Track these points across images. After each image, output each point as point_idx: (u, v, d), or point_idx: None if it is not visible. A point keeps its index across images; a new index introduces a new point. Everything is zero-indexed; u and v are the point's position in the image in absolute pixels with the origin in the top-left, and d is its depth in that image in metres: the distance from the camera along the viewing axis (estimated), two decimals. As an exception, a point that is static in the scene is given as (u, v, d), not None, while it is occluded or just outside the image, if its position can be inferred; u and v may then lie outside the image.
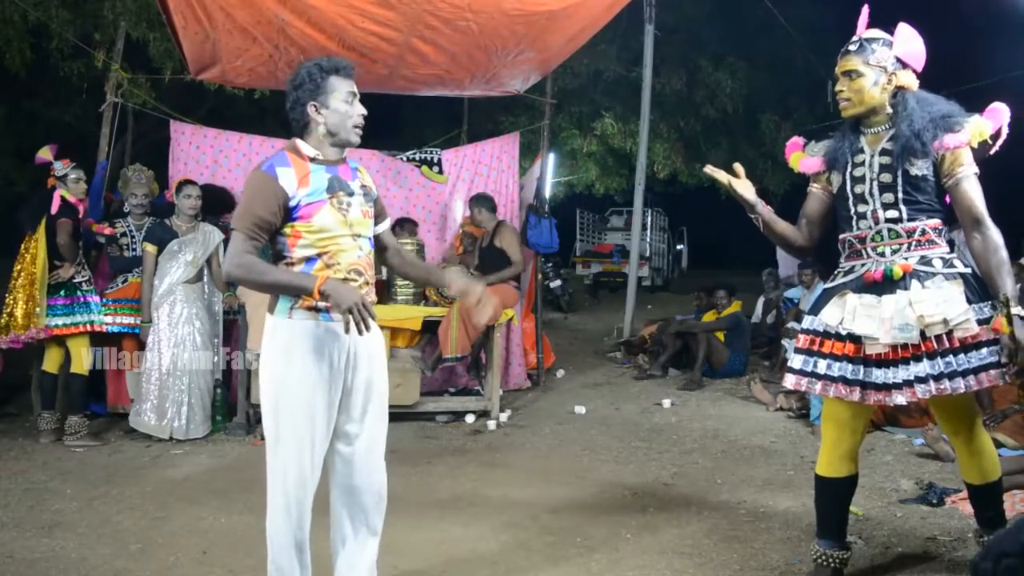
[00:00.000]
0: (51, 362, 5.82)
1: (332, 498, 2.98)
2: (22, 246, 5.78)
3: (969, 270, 3.08)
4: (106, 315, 5.92)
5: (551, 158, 10.87)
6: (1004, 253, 2.95)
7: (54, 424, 5.76)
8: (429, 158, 7.97)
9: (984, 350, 2.94)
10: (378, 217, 3.02)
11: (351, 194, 2.85)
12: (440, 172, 7.90)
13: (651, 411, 6.93)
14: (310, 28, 5.67)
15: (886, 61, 3.20)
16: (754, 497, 4.60)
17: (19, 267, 5.73)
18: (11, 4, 8.42)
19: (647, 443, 5.87)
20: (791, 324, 8.38)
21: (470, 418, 6.53)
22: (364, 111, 2.87)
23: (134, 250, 6.21)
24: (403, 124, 17.26)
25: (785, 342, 8.28)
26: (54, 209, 5.64)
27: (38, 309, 5.60)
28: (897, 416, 5.88)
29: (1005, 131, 3.08)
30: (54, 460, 5.31)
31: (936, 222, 3.11)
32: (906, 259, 3.08)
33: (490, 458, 5.49)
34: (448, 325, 6.53)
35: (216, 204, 6.73)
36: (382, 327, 6.19)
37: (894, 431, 5.84)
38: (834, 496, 3.29)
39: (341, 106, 2.81)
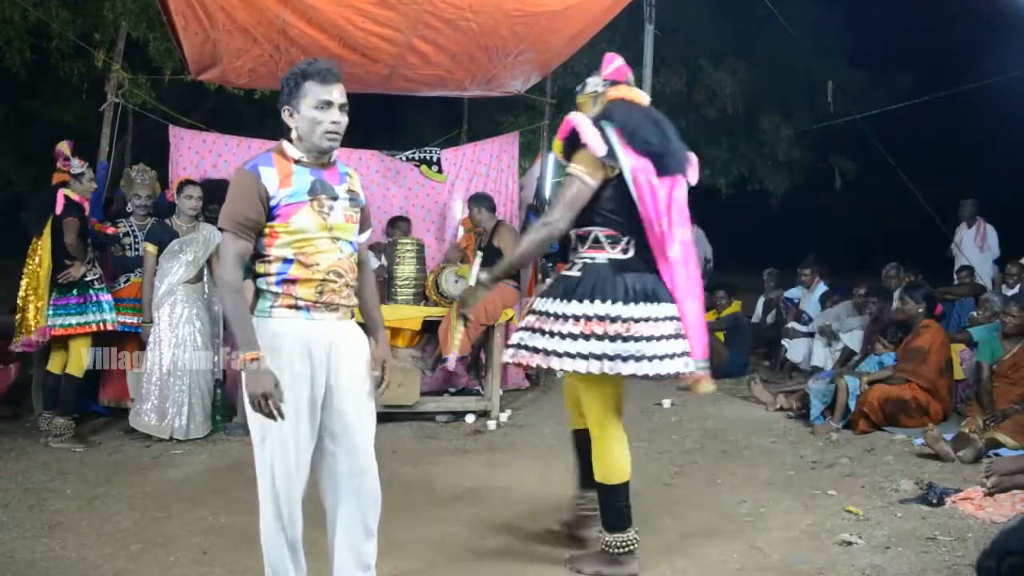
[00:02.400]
0: (56, 363, 5.80)
1: (326, 501, 2.97)
2: (30, 249, 5.75)
3: (578, 274, 3.42)
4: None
5: (551, 158, 10.86)
6: (523, 245, 3.54)
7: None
8: (428, 157, 7.96)
9: (554, 338, 3.34)
10: (360, 226, 3.00)
11: (335, 198, 2.85)
12: (439, 171, 7.90)
13: (651, 411, 6.93)
14: (311, 28, 5.66)
15: (596, 86, 3.60)
16: (754, 497, 4.60)
17: (28, 270, 5.71)
18: (11, 4, 8.43)
19: (647, 443, 5.87)
20: (792, 324, 8.39)
21: (470, 418, 6.53)
22: (338, 118, 2.81)
23: (136, 250, 6.20)
24: (403, 124, 17.26)
25: (785, 342, 8.29)
26: (59, 209, 5.60)
27: (39, 308, 5.57)
28: (897, 416, 5.88)
29: (585, 139, 3.33)
30: (54, 460, 5.31)
31: (585, 230, 3.44)
32: (570, 260, 3.55)
33: (490, 458, 5.49)
34: (448, 325, 6.53)
35: (212, 197, 6.73)
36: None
37: (894, 431, 5.84)
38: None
39: (310, 112, 2.80)
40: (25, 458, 5.38)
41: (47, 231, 5.64)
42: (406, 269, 6.64)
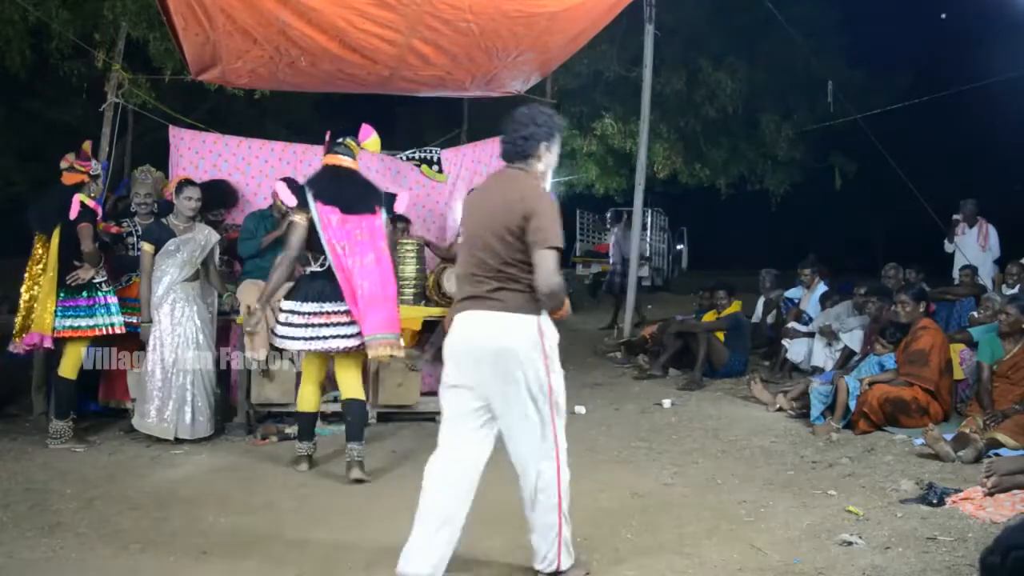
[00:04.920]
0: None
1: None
2: (33, 249, 5.75)
3: (293, 283, 5.18)
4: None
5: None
6: (274, 277, 4.96)
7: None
8: (429, 157, 7.96)
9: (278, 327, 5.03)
10: None
11: None
12: (440, 171, 7.89)
13: (651, 411, 6.92)
14: (311, 29, 5.65)
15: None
16: (754, 497, 4.60)
17: (30, 271, 5.69)
18: (11, 4, 8.43)
19: (647, 443, 5.87)
20: (792, 324, 8.39)
21: (470, 418, 6.51)
22: None
23: (139, 250, 6.19)
24: (402, 124, 17.25)
25: (785, 342, 8.29)
26: (73, 214, 5.53)
27: (43, 310, 5.56)
28: (897, 416, 5.88)
29: (281, 198, 5.48)
30: (54, 460, 5.31)
31: (305, 252, 5.00)
32: None
33: (491, 457, 5.47)
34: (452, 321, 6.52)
35: (218, 197, 6.72)
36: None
37: (894, 431, 5.84)
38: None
39: (554, 160, 3.48)
40: (25, 458, 5.38)
41: (56, 233, 5.62)
42: (407, 269, 6.64)
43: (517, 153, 3.38)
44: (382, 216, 5.11)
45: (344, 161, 5.11)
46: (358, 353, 5.01)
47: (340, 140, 5.14)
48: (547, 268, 3.17)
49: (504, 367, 3.29)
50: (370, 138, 5.29)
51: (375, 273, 4.94)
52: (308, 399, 5.21)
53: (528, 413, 3.32)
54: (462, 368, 3.48)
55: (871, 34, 16.40)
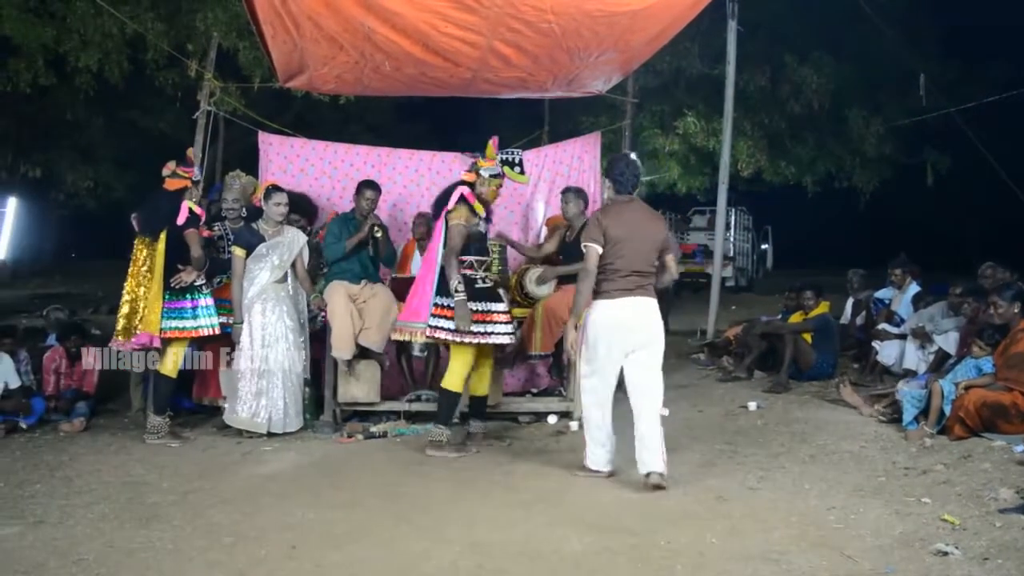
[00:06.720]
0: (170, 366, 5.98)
1: None
2: (135, 251, 5.96)
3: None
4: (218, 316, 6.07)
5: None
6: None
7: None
8: (510, 159, 7.98)
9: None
10: None
11: None
12: (522, 172, 7.91)
13: (736, 414, 6.81)
14: (395, 34, 5.74)
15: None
16: (844, 503, 4.48)
17: (133, 272, 5.91)
18: (110, 17, 8.81)
19: (732, 446, 5.78)
20: (883, 325, 8.13)
21: (552, 419, 6.53)
22: None
23: (228, 253, 6.38)
24: (484, 125, 17.35)
25: (876, 344, 8.04)
26: (181, 219, 5.79)
27: (148, 312, 5.78)
28: (995, 422, 5.64)
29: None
30: (151, 455, 5.53)
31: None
32: None
33: (572, 459, 5.47)
34: (532, 324, 6.54)
35: (294, 209, 6.89)
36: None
37: (992, 437, 5.59)
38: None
39: None
40: (124, 452, 5.63)
41: (162, 238, 5.84)
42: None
43: (633, 187, 4.94)
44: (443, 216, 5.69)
45: (463, 175, 5.94)
46: (485, 352, 5.80)
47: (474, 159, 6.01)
48: (675, 264, 5.15)
49: (653, 331, 4.92)
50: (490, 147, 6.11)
51: (423, 270, 5.80)
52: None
53: (660, 360, 4.97)
54: (625, 332, 4.86)
55: (966, 23, 15.77)
